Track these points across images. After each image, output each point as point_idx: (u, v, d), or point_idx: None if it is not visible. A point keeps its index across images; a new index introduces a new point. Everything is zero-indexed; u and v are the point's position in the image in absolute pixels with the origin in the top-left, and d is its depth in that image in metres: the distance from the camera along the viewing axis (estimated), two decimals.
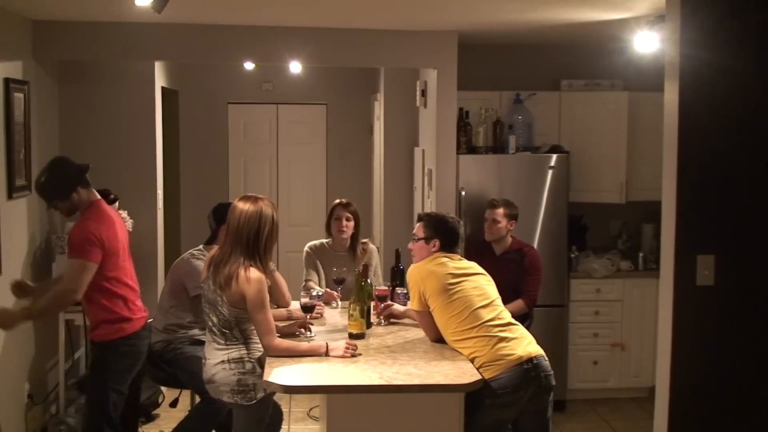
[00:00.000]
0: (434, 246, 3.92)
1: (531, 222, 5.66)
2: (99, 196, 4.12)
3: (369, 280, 4.27)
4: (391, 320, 4.23)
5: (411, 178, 6.55)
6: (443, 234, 3.93)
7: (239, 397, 3.58)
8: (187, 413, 4.75)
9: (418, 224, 4.04)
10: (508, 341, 3.59)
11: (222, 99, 7.88)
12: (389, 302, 4.20)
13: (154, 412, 5.57)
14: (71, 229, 4.09)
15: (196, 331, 4.45)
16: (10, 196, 4.70)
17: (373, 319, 4.20)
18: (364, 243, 4.99)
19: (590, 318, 5.93)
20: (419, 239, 3.97)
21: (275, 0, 4.64)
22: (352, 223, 4.87)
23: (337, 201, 4.96)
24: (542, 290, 5.19)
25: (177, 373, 4.41)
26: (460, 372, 3.43)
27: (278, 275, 4.46)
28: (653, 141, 5.07)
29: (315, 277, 4.79)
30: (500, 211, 5.10)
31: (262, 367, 3.52)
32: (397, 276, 4.47)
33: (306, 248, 4.95)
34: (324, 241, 5.00)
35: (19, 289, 4.14)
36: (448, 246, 3.92)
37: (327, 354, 3.60)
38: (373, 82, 7.43)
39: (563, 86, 6.12)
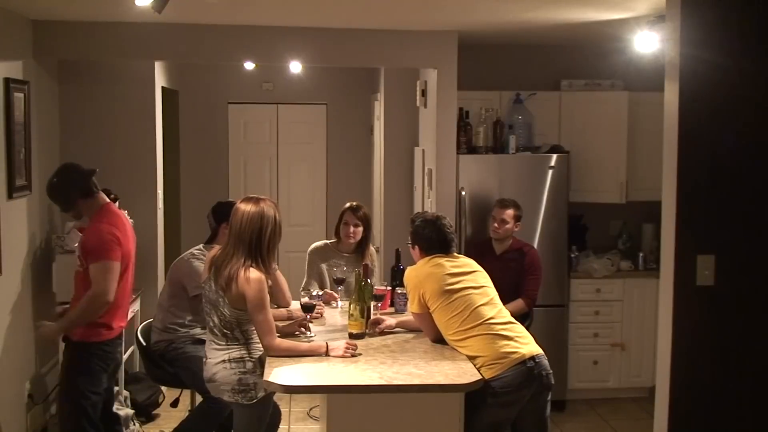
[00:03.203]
0: (418, 251, 3.92)
1: (531, 222, 5.65)
2: (108, 200, 4.14)
3: (369, 280, 4.27)
4: (385, 331, 4.12)
5: (411, 178, 6.54)
6: (422, 239, 3.91)
7: (240, 397, 3.58)
8: (187, 413, 4.75)
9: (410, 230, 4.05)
10: (510, 339, 3.60)
11: (222, 99, 7.88)
12: (378, 317, 4.15)
13: (154, 412, 5.57)
14: (83, 235, 4.11)
15: (197, 330, 4.45)
16: (10, 196, 4.70)
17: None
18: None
19: (590, 318, 5.93)
20: (409, 244, 4.01)
21: (275, 0, 4.64)
22: (360, 229, 4.83)
23: (347, 205, 4.91)
24: (542, 290, 5.21)
25: (179, 373, 4.41)
26: (460, 372, 3.44)
27: (279, 275, 4.45)
28: (653, 141, 5.07)
29: (315, 287, 4.70)
30: (510, 212, 5.12)
31: (263, 367, 3.52)
32: (397, 276, 4.47)
33: (309, 251, 4.93)
34: (328, 241, 4.99)
35: (59, 316, 4.20)
36: (432, 248, 3.88)
37: (327, 354, 3.60)
38: (373, 82, 7.43)
39: (563, 86, 6.12)
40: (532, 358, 3.57)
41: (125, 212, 5.47)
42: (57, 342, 4.81)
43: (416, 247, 3.94)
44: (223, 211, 4.31)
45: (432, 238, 3.90)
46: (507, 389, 3.50)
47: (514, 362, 3.53)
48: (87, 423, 4.06)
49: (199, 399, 4.47)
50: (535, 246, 5.46)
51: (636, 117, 5.98)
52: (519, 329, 3.72)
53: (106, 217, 4.03)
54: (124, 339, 4.43)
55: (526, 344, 3.62)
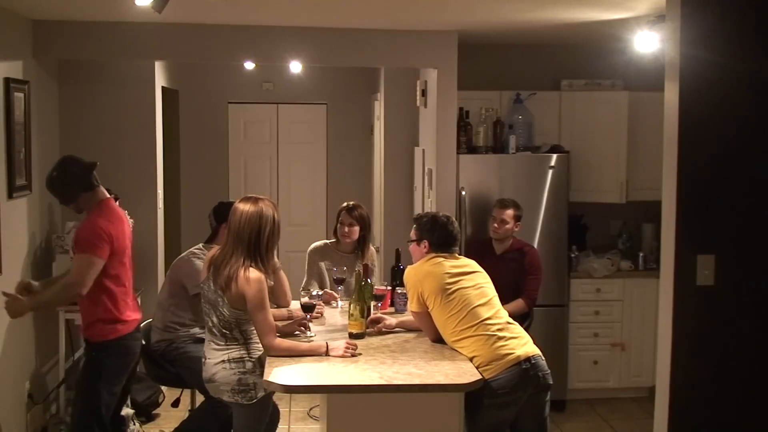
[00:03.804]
0: (425, 247, 3.92)
1: (531, 222, 5.65)
2: (108, 195, 4.14)
3: (369, 280, 4.27)
4: (383, 330, 4.12)
5: (411, 178, 6.55)
6: (431, 234, 3.92)
7: (240, 397, 3.58)
8: (187, 413, 4.75)
9: (413, 227, 4.05)
10: (506, 340, 3.59)
11: (222, 99, 7.88)
12: (378, 315, 4.16)
13: (154, 412, 5.57)
14: (79, 225, 4.11)
15: (197, 330, 4.44)
16: (10, 196, 4.70)
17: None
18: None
19: (590, 318, 5.93)
20: (412, 241, 4.00)
21: (275, 0, 4.64)
22: (356, 228, 4.82)
23: (344, 204, 4.91)
24: (542, 290, 5.21)
25: (181, 373, 4.41)
26: (460, 372, 3.44)
27: (282, 274, 4.45)
28: (653, 141, 5.06)
29: (315, 287, 4.70)
30: (510, 212, 5.13)
31: (263, 367, 3.52)
32: (397, 276, 4.47)
33: (309, 251, 4.93)
34: (327, 241, 5.00)
35: (24, 289, 4.13)
36: (440, 246, 3.90)
37: (327, 354, 3.60)
38: (373, 82, 7.43)
39: (563, 86, 6.12)
40: (528, 359, 3.56)
41: (125, 212, 5.49)
42: (23, 317, 4.58)
43: (423, 242, 3.93)
44: (224, 212, 4.30)
45: (442, 235, 3.91)
46: (503, 390, 3.49)
47: (510, 363, 3.52)
48: (96, 424, 4.05)
49: (199, 399, 4.48)
50: (535, 246, 5.46)
51: (636, 117, 5.97)
52: (516, 330, 3.72)
53: (103, 212, 4.02)
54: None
55: (522, 345, 3.62)
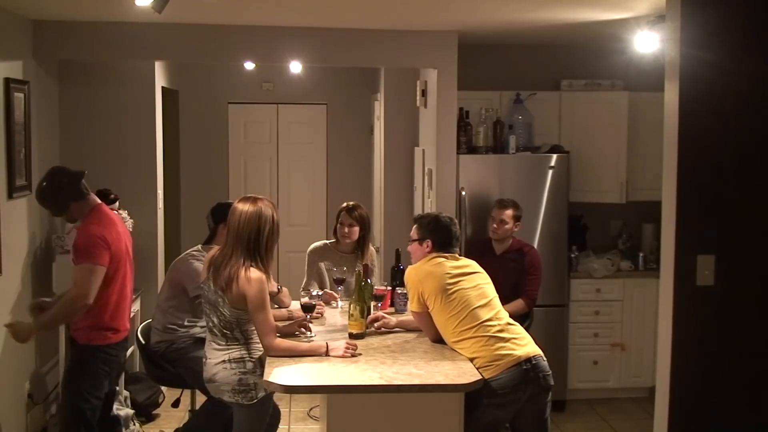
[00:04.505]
0: (427, 246, 3.92)
1: (531, 222, 5.65)
2: (99, 201, 4.13)
3: (369, 280, 4.27)
4: (383, 329, 4.13)
5: (411, 178, 6.55)
6: (434, 233, 3.92)
7: (240, 397, 3.59)
8: (187, 413, 4.74)
9: (413, 227, 4.05)
10: (506, 341, 3.59)
11: (222, 99, 7.88)
12: (379, 314, 4.16)
13: (154, 412, 5.57)
14: (76, 235, 4.10)
15: (197, 330, 4.44)
16: (10, 196, 4.70)
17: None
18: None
19: (590, 318, 5.93)
20: (413, 241, 3.99)
21: (275, 0, 4.64)
22: (356, 229, 4.82)
23: (344, 205, 4.91)
24: (542, 290, 5.21)
25: (181, 374, 4.40)
26: (460, 372, 3.44)
27: (285, 292, 4.47)
28: (653, 141, 5.07)
29: (315, 287, 4.70)
30: (509, 212, 5.13)
31: (263, 367, 3.52)
32: (397, 276, 4.47)
33: (309, 251, 4.93)
34: (327, 241, 5.00)
35: (38, 308, 4.12)
36: (442, 245, 3.90)
37: (327, 354, 3.60)
38: (373, 82, 7.43)
39: (563, 86, 6.12)
40: (528, 359, 3.56)
41: (125, 212, 5.50)
42: (32, 340, 4.70)
43: (426, 242, 3.93)
44: (222, 212, 4.31)
45: (445, 235, 3.92)
46: (502, 390, 3.49)
47: (510, 364, 3.52)
48: (84, 427, 4.05)
49: (199, 399, 4.47)
50: (535, 246, 5.46)
51: (636, 117, 5.98)
52: (517, 330, 3.71)
53: (95, 218, 4.01)
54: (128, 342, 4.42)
55: (522, 345, 3.61)
